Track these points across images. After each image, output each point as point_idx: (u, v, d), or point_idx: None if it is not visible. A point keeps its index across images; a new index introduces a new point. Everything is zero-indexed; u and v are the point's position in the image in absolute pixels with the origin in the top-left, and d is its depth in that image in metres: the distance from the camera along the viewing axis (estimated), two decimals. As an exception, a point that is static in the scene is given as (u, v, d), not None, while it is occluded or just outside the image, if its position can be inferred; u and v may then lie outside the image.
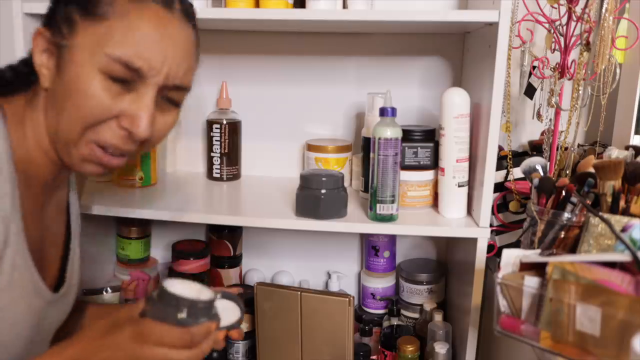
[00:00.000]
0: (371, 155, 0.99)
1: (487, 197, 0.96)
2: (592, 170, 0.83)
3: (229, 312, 0.72)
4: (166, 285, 0.65)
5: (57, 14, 0.68)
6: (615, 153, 1.02)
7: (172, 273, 1.25)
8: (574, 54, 1.02)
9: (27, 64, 0.72)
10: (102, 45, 0.65)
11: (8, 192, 0.65)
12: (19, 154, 0.69)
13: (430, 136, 1.09)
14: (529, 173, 0.93)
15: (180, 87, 0.72)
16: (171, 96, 0.72)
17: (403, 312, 1.24)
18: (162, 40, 0.67)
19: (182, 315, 0.64)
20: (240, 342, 1.20)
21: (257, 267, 1.39)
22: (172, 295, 0.64)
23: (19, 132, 0.70)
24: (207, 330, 0.66)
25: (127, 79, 0.66)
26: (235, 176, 1.27)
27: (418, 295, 1.24)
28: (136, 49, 0.65)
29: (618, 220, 0.71)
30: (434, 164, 1.06)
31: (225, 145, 1.23)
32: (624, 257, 0.60)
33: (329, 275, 1.32)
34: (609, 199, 0.78)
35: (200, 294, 0.67)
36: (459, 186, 1.01)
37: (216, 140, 1.23)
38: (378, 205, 0.99)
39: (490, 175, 0.96)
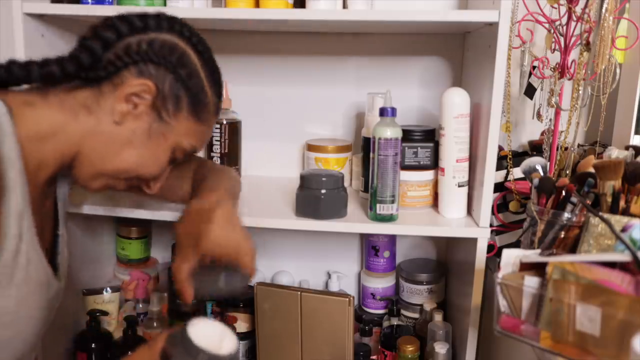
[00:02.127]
0: (371, 155, 0.99)
1: (487, 197, 0.96)
2: (592, 170, 0.83)
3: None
4: (189, 331, 0.64)
5: (169, 87, 0.73)
6: (615, 153, 1.02)
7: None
8: (574, 54, 1.02)
9: (76, 61, 0.71)
10: (190, 139, 0.78)
11: (19, 187, 0.65)
12: (25, 151, 0.68)
13: (430, 136, 1.09)
14: (529, 173, 0.93)
15: None
16: None
17: (403, 312, 1.24)
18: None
19: None
20: (240, 342, 1.20)
21: (257, 267, 1.38)
22: (192, 345, 0.64)
23: (27, 130, 0.68)
24: None
25: (178, 160, 0.80)
26: (235, 176, 1.27)
27: (418, 295, 1.24)
28: (203, 144, 0.83)
29: (618, 220, 0.71)
30: (434, 164, 1.06)
31: (225, 145, 1.23)
32: (624, 257, 0.60)
33: (329, 275, 1.32)
34: (609, 199, 0.78)
35: (222, 340, 0.65)
36: (459, 186, 1.01)
37: (216, 140, 1.23)
38: (378, 205, 0.99)
39: (490, 175, 0.96)
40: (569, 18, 1.00)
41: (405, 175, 1.04)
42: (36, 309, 0.71)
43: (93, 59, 0.70)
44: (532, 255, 0.70)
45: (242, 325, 1.20)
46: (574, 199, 0.82)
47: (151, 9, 1.02)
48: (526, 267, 0.70)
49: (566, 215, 0.82)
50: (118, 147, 0.73)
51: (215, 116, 0.81)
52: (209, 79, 0.78)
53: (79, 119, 0.71)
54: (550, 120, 1.07)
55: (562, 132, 1.05)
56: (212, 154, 1.24)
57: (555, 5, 1.01)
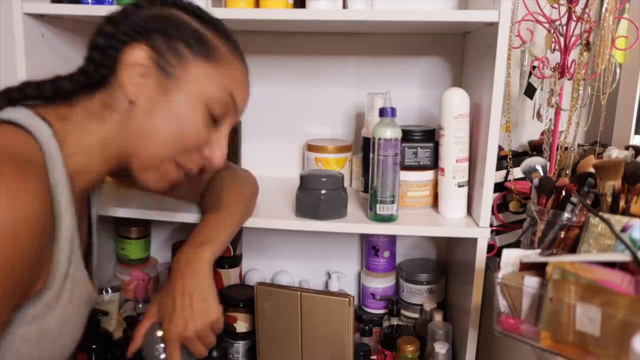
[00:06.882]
0: (371, 155, 0.99)
1: (487, 197, 0.96)
2: (592, 170, 0.83)
3: None
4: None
5: (161, 42, 0.71)
6: (615, 153, 1.02)
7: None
8: (574, 54, 1.02)
9: (84, 72, 0.72)
10: (212, 84, 0.73)
11: (68, 211, 0.66)
12: (70, 168, 0.69)
13: (430, 136, 1.09)
14: (529, 173, 0.93)
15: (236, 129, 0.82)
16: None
17: (403, 312, 1.24)
18: (246, 87, 0.79)
19: None
20: (240, 342, 1.20)
21: (257, 267, 1.39)
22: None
23: (70, 147, 0.69)
24: None
25: (220, 115, 0.75)
26: (235, 176, 1.27)
27: (418, 295, 1.24)
28: (237, 89, 0.76)
29: (618, 220, 0.71)
30: (434, 164, 1.06)
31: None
32: (624, 257, 0.60)
33: (329, 275, 1.32)
34: (609, 199, 0.78)
35: None
36: (459, 186, 1.01)
37: (216, 140, 1.23)
38: (378, 205, 0.99)
39: (490, 175, 0.96)
40: (569, 18, 1.00)
41: (405, 175, 1.04)
42: (79, 325, 0.73)
43: (95, 65, 0.71)
44: (532, 255, 0.70)
45: (242, 325, 1.20)
46: (574, 199, 0.82)
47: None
48: (526, 267, 0.70)
49: (566, 215, 0.82)
50: (146, 123, 0.71)
51: (233, 55, 0.76)
52: (206, 26, 0.75)
53: (104, 121, 0.71)
54: (550, 120, 1.07)
55: (562, 132, 1.05)
56: (212, 154, 1.24)
57: (555, 5, 1.01)
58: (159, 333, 0.79)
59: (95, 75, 0.71)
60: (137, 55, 0.70)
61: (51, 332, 0.67)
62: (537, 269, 0.68)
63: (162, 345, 0.79)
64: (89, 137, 0.71)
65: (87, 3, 1.03)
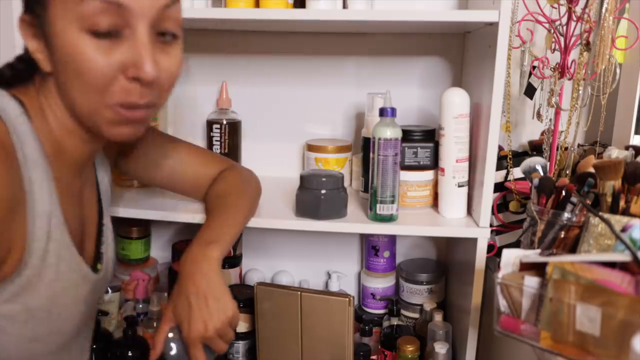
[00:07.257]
0: (371, 155, 0.99)
1: (487, 197, 0.96)
2: (592, 170, 0.83)
3: None
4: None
5: (31, 1, 0.68)
6: (615, 153, 1.02)
7: (172, 273, 1.25)
8: (574, 54, 1.02)
9: (21, 59, 0.73)
10: (74, 2, 0.62)
11: (45, 187, 0.66)
12: (47, 145, 0.69)
13: (430, 136, 1.09)
14: (529, 173, 0.93)
15: (169, 18, 0.68)
16: (165, 29, 0.68)
17: (403, 312, 1.24)
18: None
19: None
20: (240, 342, 1.20)
21: (257, 267, 1.38)
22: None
23: (43, 123, 0.69)
24: None
25: (111, 29, 0.63)
26: (235, 176, 1.27)
27: (418, 295, 1.24)
28: None
29: (618, 220, 0.71)
30: (434, 164, 1.06)
31: (225, 145, 1.23)
32: (624, 257, 0.60)
33: (329, 275, 1.32)
34: (609, 199, 0.78)
35: None
36: (459, 186, 1.01)
37: (216, 141, 1.23)
38: (378, 205, 0.99)
39: (490, 175, 0.96)
40: (569, 18, 1.00)
41: (405, 175, 1.04)
42: (71, 305, 0.72)
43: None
44: (532, 255, 0.70)
45: (242, 325, 1.20)
46: (574, 199, 0.82)
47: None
48: (526, 267, 0.70)
49: (566, 215, 0.82)
50: (60, 87, 0.68)
51: None
52: None
53: (49, 96, 0.70)
54: (550, 120, 1.07)
55: (562, 132, 1.05)
56: (212, 154, 1.24)
57: (555, 5, 1.01)
58: (170, 334, 0.79)
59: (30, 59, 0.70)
60: (21, 29, 0.68)
61: (38, 311, 0.67)
62: (537, 269, 0.68)
63: (172, 343, 0.79)
64: (52, 114, 0.70)
65: (87, 3, 1.03)
